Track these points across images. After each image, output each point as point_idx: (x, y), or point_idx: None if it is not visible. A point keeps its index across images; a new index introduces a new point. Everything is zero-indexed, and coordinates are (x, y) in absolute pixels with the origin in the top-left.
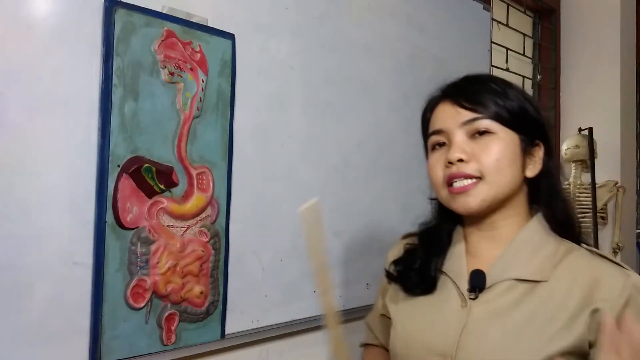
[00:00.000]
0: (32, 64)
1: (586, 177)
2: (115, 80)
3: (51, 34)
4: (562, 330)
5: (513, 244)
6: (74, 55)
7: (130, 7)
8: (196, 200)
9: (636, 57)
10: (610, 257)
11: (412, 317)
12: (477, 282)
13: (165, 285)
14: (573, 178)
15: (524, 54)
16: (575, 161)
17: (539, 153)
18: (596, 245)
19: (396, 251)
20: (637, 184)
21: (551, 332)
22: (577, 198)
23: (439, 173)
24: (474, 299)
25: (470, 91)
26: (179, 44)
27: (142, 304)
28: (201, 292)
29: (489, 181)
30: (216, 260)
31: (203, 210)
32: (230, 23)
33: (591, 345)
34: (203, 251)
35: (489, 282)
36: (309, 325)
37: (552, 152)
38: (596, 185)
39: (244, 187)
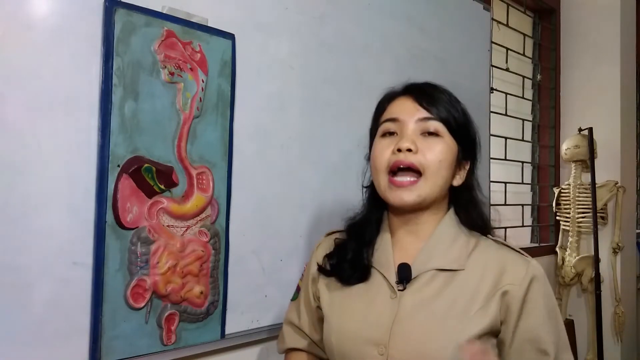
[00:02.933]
0: (32, 64)
1: (586, 177)
2: (115, 80)
3: (51, 34)
4: (480, 312)
5: (432, 238)
6: (74, 55)
7: (130, 7)
8: (196, 200)
9: (636, 57)
10: (512, 245)
11: (345, 311)
12: (404, 275)
13: (165, 285)
14: (573, 178)
15: (524, 54)
16: (575, 161)
17: (466, 167)
18: (596, 246)
19: (325, 246)
20: (637, 184)
21: (471, 314)
22: (577, 198)
23: (385, 158)
24: (402, 290)
25: (430, 94)
26: (179, 44)
27: (142, 304)
28: (201, 292)
29: (427, 177)
30: (216, 260)
31: (203, 210)
32: (230, 23)
33: (502, 323)
34: (203, 251)
35: (414, 273)
36: None
37: (474, 169)
38: (596, 185)
39: (244, 187)
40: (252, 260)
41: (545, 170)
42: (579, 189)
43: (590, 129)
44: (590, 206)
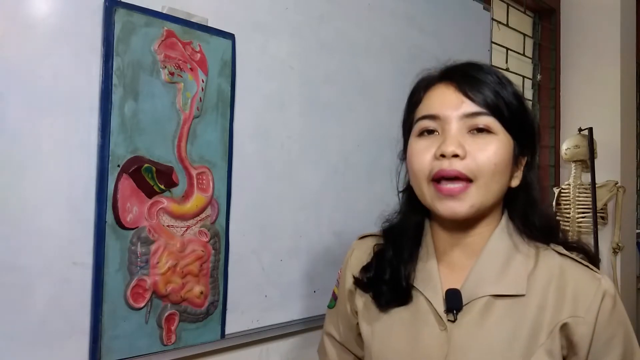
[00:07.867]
0: (32, 64)
1: (586, 177)
2: (115, 80)
3: (51, 34)
4: (543, 349)
5: (483, 255)
6: (74, 55)
7: (130, 7)
8: (196, 200)
9: (636, 57)
10: (578, 258)
11: (389, 342)
12: (454, 303)
13: (165, 285)
14: (573, 178)
15: (524, 54)
16: (575, 161)
17: (523, 163)
18: (596, 246)
19: (359, 254)
20: (637, 184)
21: (533, 350)
22: (577, 198)
23: (425, 164)
24: (452, 321)
25: (476, 80)
26: (179, 44)
27: (142, 304)
28: (201, 292)
29: (480, 185)
30: (216, 260)
31: (203, 210)
32: (230, 23)
33: (564, 358)
34: (203, 251)
35: (465, 299)
36: (309, 325)
37: (533, 164)
38: (596, 185)
39: (244, 187)
40: (252, 260)
41: (545, 170)
42: (579, 189)
43: (590, 129)
44: (590, 206)
